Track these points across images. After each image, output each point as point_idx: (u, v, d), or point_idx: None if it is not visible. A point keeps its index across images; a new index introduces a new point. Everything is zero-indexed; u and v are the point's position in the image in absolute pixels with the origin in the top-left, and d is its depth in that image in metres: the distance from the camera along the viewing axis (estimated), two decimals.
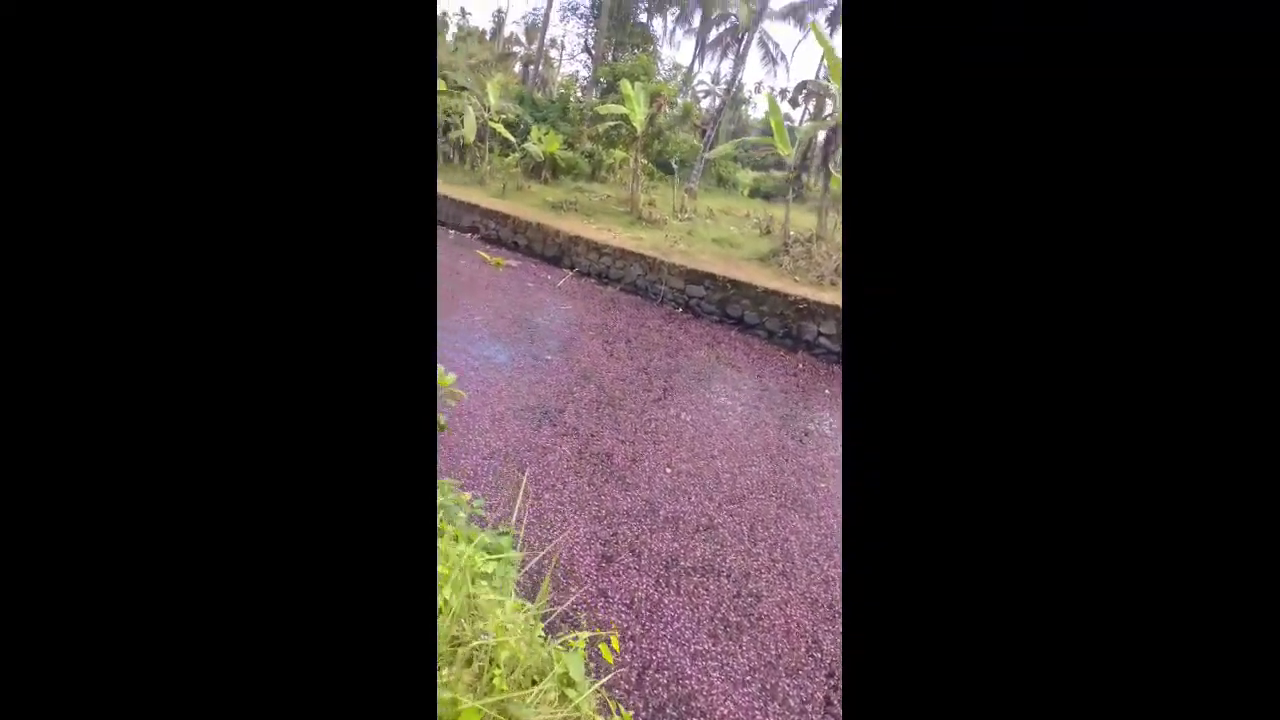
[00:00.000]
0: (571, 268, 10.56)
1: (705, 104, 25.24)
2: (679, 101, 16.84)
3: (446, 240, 11.64)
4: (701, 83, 26.20)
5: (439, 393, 2.87)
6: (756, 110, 30.58)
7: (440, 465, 4.28)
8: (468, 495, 2.70)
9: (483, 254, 10.67)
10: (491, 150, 15.67)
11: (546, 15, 22.60)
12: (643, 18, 21.66)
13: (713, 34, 23.41)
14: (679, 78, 22.59)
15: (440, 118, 16.17)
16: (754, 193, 21.92)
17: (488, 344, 6.89)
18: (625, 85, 11.81)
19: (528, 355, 6.76)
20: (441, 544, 1.74)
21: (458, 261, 10.25)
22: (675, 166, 14.28)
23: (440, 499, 2.29)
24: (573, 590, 3.44)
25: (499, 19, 29.20)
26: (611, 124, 12.43)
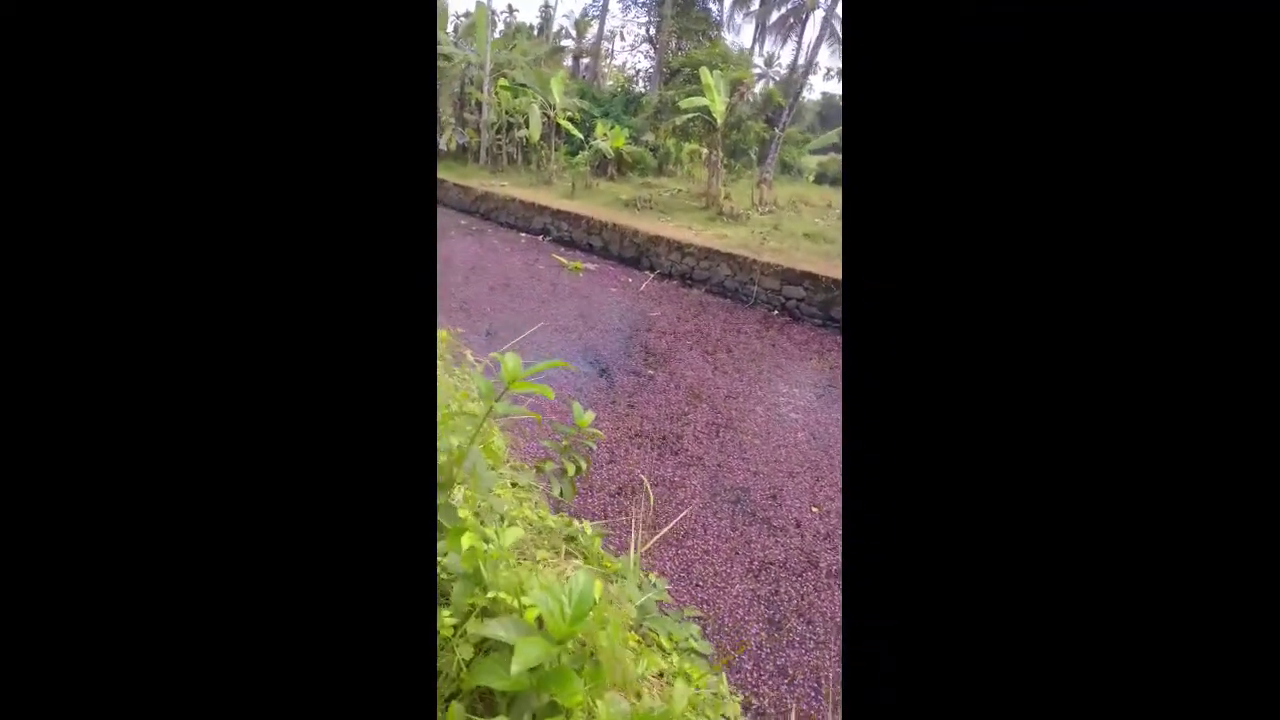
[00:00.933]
0: (651, 269, 10.06)
1: (758, 88, 24.34)
2: (766, 88, 16.01)
3: (519, 244, 11.35)
4: (755, 66, 25.22)
5: (578, 433, 2.46)
6: (812, 93, 29.52)
7: (574, 505, 3.87)
8: (653, 575, 2.27)
9: (559, 258, 10.27)
10: (556, 149, 15.28)
11: (605, 5, 22.06)
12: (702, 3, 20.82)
13: (773, 16, 22.44)
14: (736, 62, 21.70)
15: (502, 118, 15.91)
16: (820, 178, 20.96)
17: (583, 358, 6.48)
18: (705, 74, 11.10)
19: (627, 370, 6.32)
20: (655, 660, 1.34)
21: (534, 265, 9.92)
22: (754, 157, 13.50)
23: (638, 597, 1.86)
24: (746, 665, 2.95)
25: (546, 14, 28.81)
26: (689, 116, 11.77)
